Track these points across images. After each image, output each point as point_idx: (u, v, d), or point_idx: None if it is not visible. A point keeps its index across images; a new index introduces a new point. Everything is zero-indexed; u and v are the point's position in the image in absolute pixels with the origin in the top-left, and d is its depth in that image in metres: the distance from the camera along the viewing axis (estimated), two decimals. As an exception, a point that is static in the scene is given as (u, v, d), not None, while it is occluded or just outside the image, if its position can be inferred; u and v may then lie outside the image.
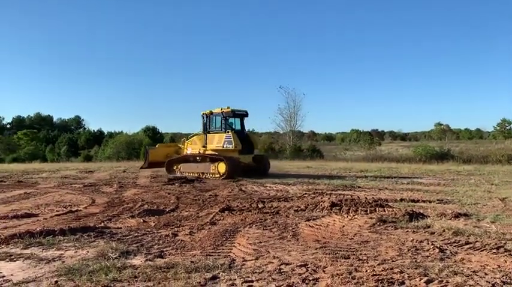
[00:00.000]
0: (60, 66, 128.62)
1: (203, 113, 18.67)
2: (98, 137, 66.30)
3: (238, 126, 18.70)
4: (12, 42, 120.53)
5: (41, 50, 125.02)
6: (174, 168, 19.41)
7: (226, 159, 17.04)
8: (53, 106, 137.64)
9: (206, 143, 18.27)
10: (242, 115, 18.86)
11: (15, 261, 4.74)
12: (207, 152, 18.25)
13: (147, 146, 23.51)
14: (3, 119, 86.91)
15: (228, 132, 17.63)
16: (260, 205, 9.12)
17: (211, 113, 18.39)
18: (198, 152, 18.77)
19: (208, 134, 18.35)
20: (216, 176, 17.22)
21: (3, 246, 5.40)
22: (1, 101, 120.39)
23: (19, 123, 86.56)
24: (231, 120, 18.39)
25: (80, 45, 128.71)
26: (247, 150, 18.23)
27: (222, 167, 17.17)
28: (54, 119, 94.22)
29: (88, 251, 5.17)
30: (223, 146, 17.56)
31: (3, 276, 4.19)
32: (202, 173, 17.91)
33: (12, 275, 4.23)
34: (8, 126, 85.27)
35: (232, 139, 17.25)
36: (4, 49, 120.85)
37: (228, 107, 17.96)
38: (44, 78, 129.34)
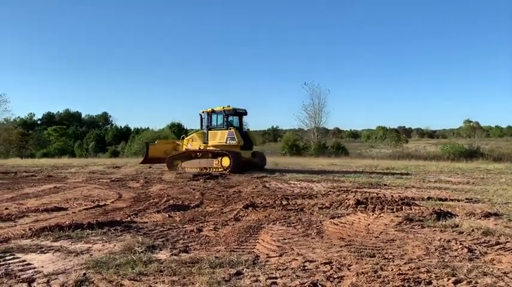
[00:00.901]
0: (89, 64, 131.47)
1: (204, 111, 19.52)
2: (125, 134, 67.52)
3: (237, 124, 19.66)
4: (42, 41, 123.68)
5: (69, 48, 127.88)
6: (176, 164, 19.83)
7: (230, 153, 18.12)
8: (82, 103, 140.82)
9: (207, 140, 19.09)
10: (241, 113, 20.05)
11: (45, 253, 4.88)
12: (208, 148, 19.11)
13: (147, 142, 24.14)
14: (34, 115, 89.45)
15: (230, 129, 18.60)
16: (284, 202, 9.10)
17: (213, 111, 19.31)
18: (198, 148, 19.46)
19: (209, 131, 19.16)
20: (219, 170, 18.12)
21: (34, 238, 5.57)
22: (32, 98, 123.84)
23: (49, 119, 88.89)
24: (230, 118, 19.40)
25: (108, 43, 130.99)
26: (247, 146, 19.40)
27: (226, 161, 18.23)
28: (83, 116, 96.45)
29: (115, 245, 5.27)
30: (226, 142, 18.54)
31: (35, 267, 4.32)
32: (205, 168, 18.60)
33: (42, 267, 4.35)
34: (39, 122, 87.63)
35: (235, 135, 18.33)
36: (34, 48, 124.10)
37: (229, 106, 19.11)
38: (73, 75, 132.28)
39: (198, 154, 19.55)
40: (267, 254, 4.86)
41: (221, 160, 18.46)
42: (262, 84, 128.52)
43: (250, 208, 8.24)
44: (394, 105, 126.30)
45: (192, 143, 20.02)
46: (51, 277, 4.00)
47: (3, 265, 4.38)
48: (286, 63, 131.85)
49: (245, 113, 20.24)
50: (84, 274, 4.06)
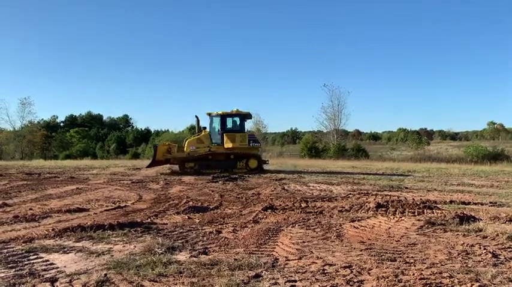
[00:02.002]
0: (110, 66, 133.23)
1: (216, 114, 19.68)
2: (145, 136, 68.36)
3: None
4: (64, 44, 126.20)
5: (91, 51, 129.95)
6: (189, 166, 19.42)
7: (257, 156, 19.57)
8: (103, 105, 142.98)
9: (223, 142, 19.15)
10: (248, 117, 21.01)
11: (68, 253, 4.96)
12: (227, 151, 19.26)
13: (155, 145, 23.25)
14: (57, 117, 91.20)
15: (249, 132, 19.71)
16: (303, 205, 9.06)
17: (228, 114, 19.63)
18: (208, 150, 19.34)
19: (225, 133, 19.21)
20: (243, 170, 18.89)
21: (57, 239, 5.68)
22: (55, 100, 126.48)
23: (71, 121, 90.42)
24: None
25: (129, 45, 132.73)
26: None
27: (253, 162, 19.41)
28: (104, 118, 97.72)
29: (135, 246, 5.33)
30: (249, 145, 19.25)
31: (57, 267, 4.40)
32: (226, 170, 18.74)
33: (65, 267, 4.43)
34: (62, 124, 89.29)
35: (258, 138, 19.52)
36: (57, 51, 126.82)
37: (238, 109, 19.72)
38: (95, 78, 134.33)
39: (210, 156, 19.46)
40: (286, 257, 4.84)
41: (247, 161, 19.33)
42: (282, 85, 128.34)
43: (269, 210, 8.23)
44: (415, 107, 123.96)
45: (198, 145, 19.59)
46: (73, 277, 4.07)
47: (27, 264, 4.48)
48: (305, 64, 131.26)
49: (251, 117, 21.70)
50: (105, 274, 4.12)
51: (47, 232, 5.95)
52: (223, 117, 19.52)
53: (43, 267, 4.39)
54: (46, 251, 5.00)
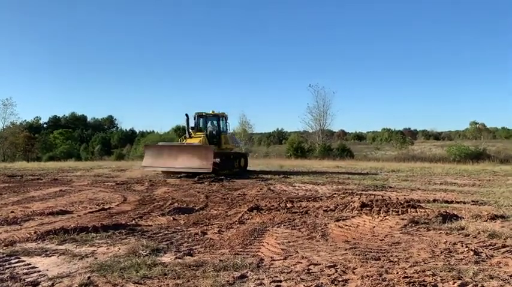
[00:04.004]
0: (94, 67, 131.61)
1: (213, 114, 19.67)
2: (130, 137, 67.82)
3: None
4: (47, 44, 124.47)
5: (75, 51, 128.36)
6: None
7: (245, 155, 20.90)
8: (87, 106, 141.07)
9: (220, 142, 19.23)
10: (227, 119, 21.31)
11: (50, 257, 4.89)
12: (227, 151, 19.54)
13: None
14: (40, 119, 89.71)
15: (233, 133, 20.23)
16: (289, 205, 9.08)
17: (220, 115, 19.91)
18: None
19: (221, 135, 19.46)
20: (236, 169, 19.37)
21: (39, 242, 5.59)
22: (38, 101, 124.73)
23: (55, 123, 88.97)
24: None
25: (113, 46, 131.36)
26: None
27: (243, 161, 20.32)
28: (88, 119, 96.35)
29: (119, 248, 5.28)
30: (236, 145, 20.58)
31: (39, 271, 4.33)
32: (230, 169, 18.78)
33: (47, 270, 4.36)
34: (45, 125, 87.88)
35: (239, 139, 20.41)
36: (40, 52, 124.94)
37: (213, 111, 19.90)
38: (79, 79, 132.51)
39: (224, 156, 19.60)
40: (271, 257, 4.85)
41: (240, 160, 20.08)
42: (267, 86, 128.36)
43: (254, 211, 8.23)
44: (399, 107, 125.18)
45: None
46: (55, 281, 4.02)
47: (8, 268, 4.41)
48: (291, 64, 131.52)
49: (227, 119, 22.19)
50: (89, 277, 4.07)
51: (29, 235, 5.85)
52: (219, 118, 19.72)
53: (25, 271, 4.32)
54: (28, 255, 4.92)
